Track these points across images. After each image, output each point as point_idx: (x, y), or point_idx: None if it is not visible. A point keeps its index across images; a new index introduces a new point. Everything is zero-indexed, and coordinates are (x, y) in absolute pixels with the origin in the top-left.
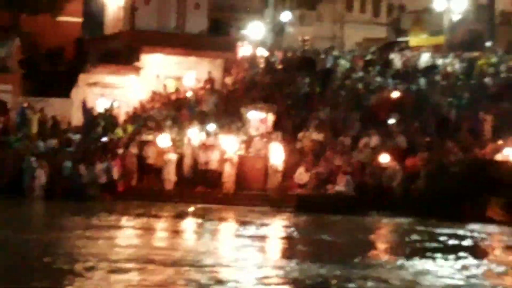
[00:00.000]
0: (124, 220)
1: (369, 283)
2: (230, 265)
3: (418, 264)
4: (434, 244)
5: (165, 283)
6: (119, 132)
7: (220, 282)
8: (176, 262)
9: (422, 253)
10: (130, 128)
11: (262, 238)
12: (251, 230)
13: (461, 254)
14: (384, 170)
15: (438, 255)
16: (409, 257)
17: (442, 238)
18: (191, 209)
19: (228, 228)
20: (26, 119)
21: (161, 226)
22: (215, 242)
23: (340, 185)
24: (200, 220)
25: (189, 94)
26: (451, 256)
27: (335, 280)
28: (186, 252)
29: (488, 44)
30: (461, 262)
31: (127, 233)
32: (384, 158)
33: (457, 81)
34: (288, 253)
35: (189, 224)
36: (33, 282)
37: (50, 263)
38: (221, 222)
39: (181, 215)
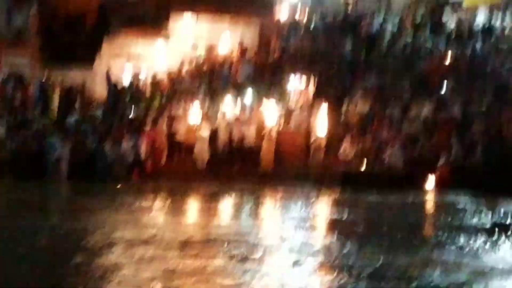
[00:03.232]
0: (153, 202)
1: (437, 270)
2: (275, 249)
3: (488, 246)
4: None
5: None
6: (145, 106)
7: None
8: (214, 240)
9: (492, 234)
10: (158, 102)
11: (308, 219)
12: (294, 210)
13: None
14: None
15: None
16: (475, 238)
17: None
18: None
19: (269, 208)
20: (45, 94)
21: (194, 208)
22: (257, 223)
23: (390, 159)
24: (237, 201)
25: (223, 62)
26: None
27: (396, 267)
28: (223, 233)
29: None
30: None
31: (156, 215)
32: None
33: None
34: (339, 236)
35: (225, 206)
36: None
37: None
38: (261, 202)
39: (216, 196)
